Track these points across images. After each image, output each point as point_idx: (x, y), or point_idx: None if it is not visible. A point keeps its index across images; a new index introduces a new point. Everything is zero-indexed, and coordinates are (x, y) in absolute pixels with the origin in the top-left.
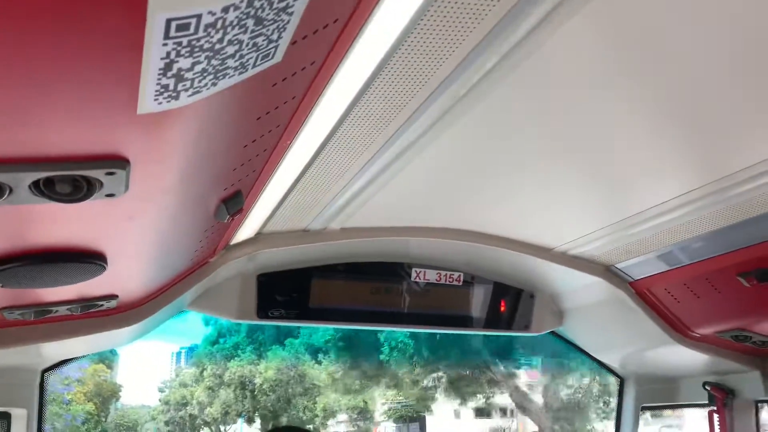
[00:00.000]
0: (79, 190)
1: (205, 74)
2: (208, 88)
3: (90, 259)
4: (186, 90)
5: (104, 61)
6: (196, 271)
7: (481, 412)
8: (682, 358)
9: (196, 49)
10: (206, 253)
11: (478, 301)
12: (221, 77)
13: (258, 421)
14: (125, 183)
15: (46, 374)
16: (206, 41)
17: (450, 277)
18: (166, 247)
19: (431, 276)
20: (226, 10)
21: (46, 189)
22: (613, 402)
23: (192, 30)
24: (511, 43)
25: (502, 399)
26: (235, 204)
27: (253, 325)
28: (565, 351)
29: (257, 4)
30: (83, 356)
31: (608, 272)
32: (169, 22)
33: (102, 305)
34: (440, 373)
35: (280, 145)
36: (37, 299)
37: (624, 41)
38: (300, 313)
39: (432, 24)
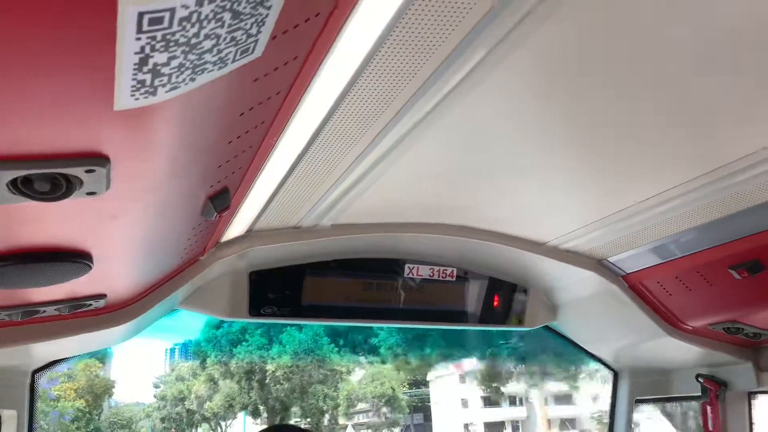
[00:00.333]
0: (59, 188)
1: (182, 69)
2: (186, 84)
3: (75, 259)
4: (163, 85)
5: (78, 56)
6: (186, 269)
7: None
8: (675, 350)
9: (172, 44)
10: (196, 251)
11: (471, 297)
12: (200, 72)
13: (265, 414)
14: (106, 181)
15: (36, 375)
16: (182, 35)
17: (443, 273)
18: (154, 245)
19: (424, 271)
20: (200, 3)
21: (24, 187)
22: None
23: (166, 24)
24: (497, 36)
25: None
26: (222, 201)
27: None
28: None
29: None
30: (74, 356)
31: (600, 266)
32: (141, 15)
33: (90, 305)
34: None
35: (266, 141)
36: (24, 300)
37: (612, 33)
38: (292, 310)
39: (417, 17)
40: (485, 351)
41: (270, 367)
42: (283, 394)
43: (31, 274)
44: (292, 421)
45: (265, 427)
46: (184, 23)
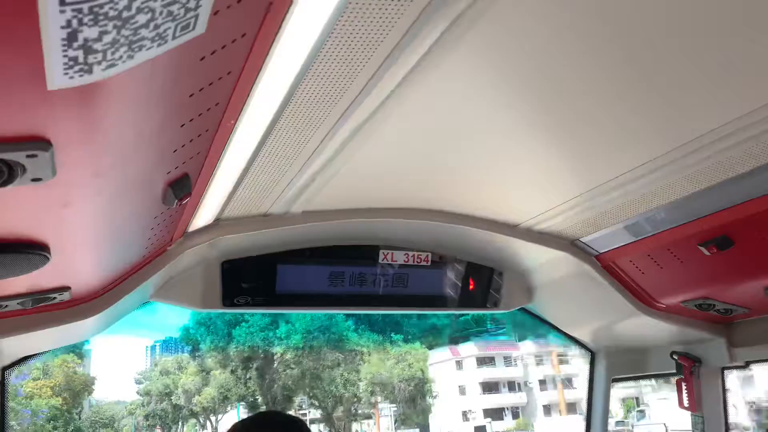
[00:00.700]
0: (0, 175)
1: (117, 45)
2: (124, 61)
3: (31, 250)
4: (98, 63)
5: (0, 32)
6: (154, 259)
7: None
8: (650, 329)
9: (101, 17)
10: (163, 241)
11: (447, 281)
12: (137, 49)
13: (263, 407)
14: (51, 166)
15: (6, 372)
16: (110, 8)
17: (418, 258)
18: (114, 234)
19: (399, 257)
20: None
21: None
22: None
23: None
24: (456, 9)
25: None
26: (182, 188)
27: None
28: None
29: None
30: (46, 352)
31: (573, 246)
32: None
33: (54, 298)
34: None
35: (223, 124)
36: None
37: (578, 8)
38: (267, 299)
39: None
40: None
41: (278, 349)
42: (290, 381)
43: None
44: (299, 413)
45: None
46: None
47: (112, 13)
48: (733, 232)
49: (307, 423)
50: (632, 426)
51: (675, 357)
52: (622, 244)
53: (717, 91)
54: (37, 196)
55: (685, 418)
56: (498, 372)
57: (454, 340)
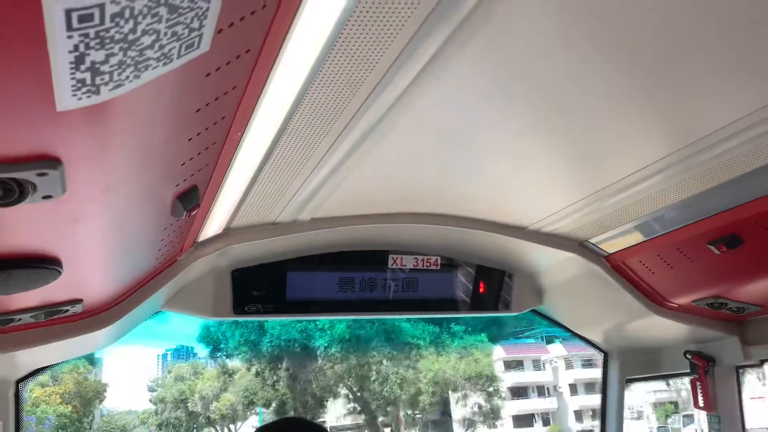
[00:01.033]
0: (11, 193)
1: (123, 67)
2: (130, 81)
3: (43, 264)
4: (106, 84)
5: (10, 56)
6: (165, 270)
7: None
8: (662, 328)
9: (107, 41)
10: (173, 252)
11: (456, 284)
12: (143, 69)
13: (291, 413)
14: (61, 184)
15: (20, 384)
16: (116, 32)
17: (427, 262)
18: (124, 247)
19: (408, 262)
20: None
21: None
22: None
23: (97, 20)
24: (460, 16)
25: None
26: (190, 200)
27: None
28: None
29: None
30: (59, 363)
31: (583, 247)
32: (69, 12)
33: (67, 310)
34: None
35: (230, 137)
36: None
37: (583, 10)
38: (277, 307)
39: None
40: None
41: (321, 341)
42: (332, 381)
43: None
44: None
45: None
46: (117, 19)
47: (117, 37)
48: (742, 231)
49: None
50: None
51: (688, 356)
52: (632, 244)
53: (724, 89)
54: (48, 212)
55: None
56: (527, 376)
57: (493, 339)
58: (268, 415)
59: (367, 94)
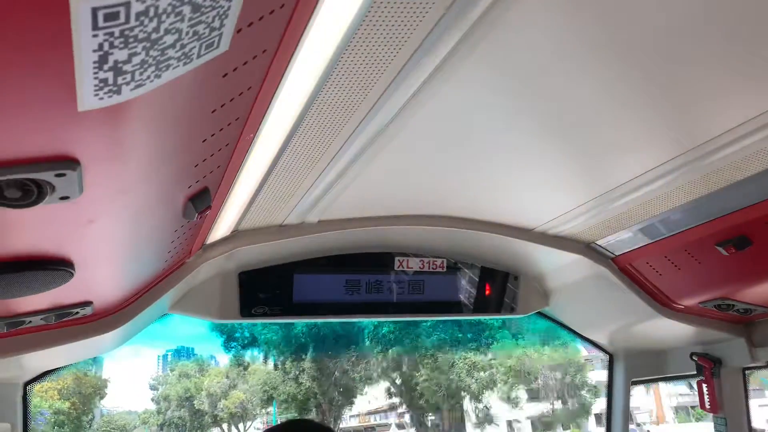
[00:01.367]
0: (30, 194)
1: (145, 66)
2: (151, 81)
3: (56, 266)
4: (127, 84)
5: (34, 57)
6: (173, 272)
7: None
8: (668, 330)
9: (131, 40)
10: (182, 254)
11: (462, 286)
12: (164, 69)
13: (316, 413)
14: (78, 184)
15: (28, 387)
16: (140, 31)
17: (433, 264)
18: (136, 249)
19: (414, 264)
20: None
21: None
22: None
23: (122, 19)
24: (470, 20)
25: None
26: (202, 202)
27: None
28: None
29: None
30: (66, 366)
31: (590, 249)
32: (95, 11)
33: (77, 312)
34: None
35: (242, 138)
36: (8, 311)
37: (588, 14)
38: (284, 309)
39: (387, 4)
40: None
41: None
42: (378, 371)
43: (12, 285)
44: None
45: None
46: (142, 18)
47: (141, 36)
48: (751, 232)
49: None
50: None
51: (695, 358)
52: (639, 246)
53: (732, 92)
54: (64, 213)
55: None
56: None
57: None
58: (288, 414)
59: (378, 97)
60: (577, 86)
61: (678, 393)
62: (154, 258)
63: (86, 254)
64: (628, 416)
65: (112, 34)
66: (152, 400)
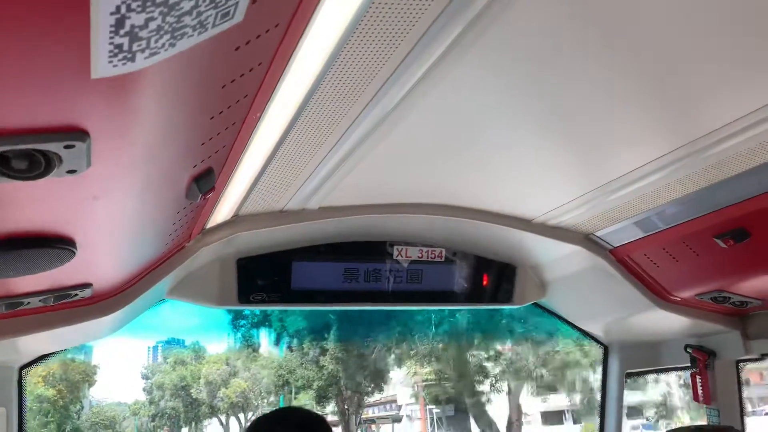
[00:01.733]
0: (37, 165)
1: (161, 33)
2: (166, 49)
3: (58, 244)
4: (142, 51)
5: (49, 18)
6: (172, 256)
7: None
8: (664, 322)
9: (149, 3)
10: (182, 238)
11: (460, 276)
12: (179, 37)
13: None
14: (86, 157)
15: (24, 371)
16: None
17: (432, 253)
18: (138, 229)
19: (413, 253)
20: None
21: (1, 166)
22: None
23: None
24: (474, 10)
25: None
26: (206, 182)
27: None
28: None
29: None
30: (62, 350)
31: (588, 241)
32: None
33: (76, 294)
34: None
35: (249, 118)
36: (7, 291)
37: (588, 8)
38: (282, 296)
39: None
40: None
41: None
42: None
43: (13, 262)
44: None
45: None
46: None
47: (159, 0)
48: (750, 224)
49: None
50: None
51: (689, 350)
52: (638, 237)
53: (730, 85)
54: (69, 187)
55: None
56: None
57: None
58: (303, 402)
59: (381, 84)
60: (576, 78)
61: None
62: (154, 240)
63: (88, 233)
64: (621, 407)
65: None
66: (144, 390)
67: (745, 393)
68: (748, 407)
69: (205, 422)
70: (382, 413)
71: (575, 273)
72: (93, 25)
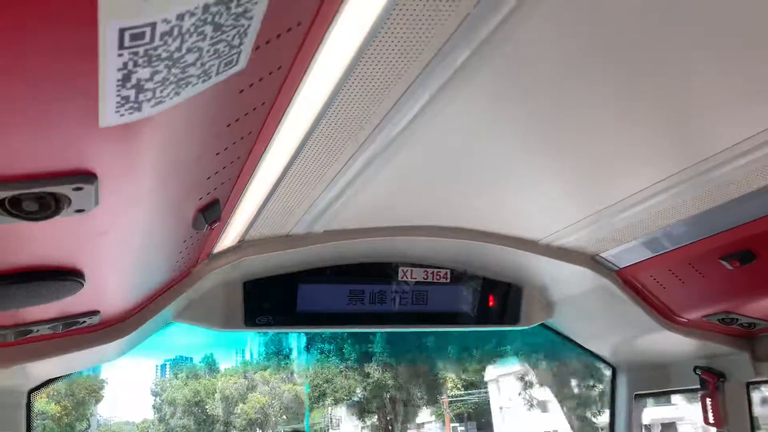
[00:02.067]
0: (47, 207)
1: (166, 83)
2: (171, 98)
3: (67, 276)
4: (148, 101)
5: (60, 74)
6: (179, 282)
7: None
8: (672, 343)
9: (154, 59)
10: (189, 263)
11: (467, 298)
12: (184, 86)
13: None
14: (94, 197)
15: (32, 394)
16: (164, 50)
17: (437, 275)
18: (145, 259)
19: (418, 274)
20: (181, 17)
21: (12, 208)
22: None
23: (147, 39)
24: (481, 36)
25: None
26: (212, 213)
27: None
28: None
29: (214, 9)
30: (70, 374)
31: (594, 262)
32: (122, 31)
33: (84, 322)
34: None
35: (254, 151)
36: (17, 319)
37: (590, 32)
38: (288, 319)
39: (400, 21)
40: None
41: None
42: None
43: (23, 294)
44: None
45: None
46: (166, 38)
47: (164, 54)
48: (756, 246)
49: None
50: None
51: (698, 372)
52: (644, 258)
53: (736, 107)
54: (77, 225)
55: None
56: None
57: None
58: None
59: (386, 112)
60: (582, 101)
61: None
62: (162, 268)
63: (97, 265)
64: (631, 429)
65: (136, 53)
66: (153, 407)
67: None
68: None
69: None
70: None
71: (582, 294)
72: (101, 80)
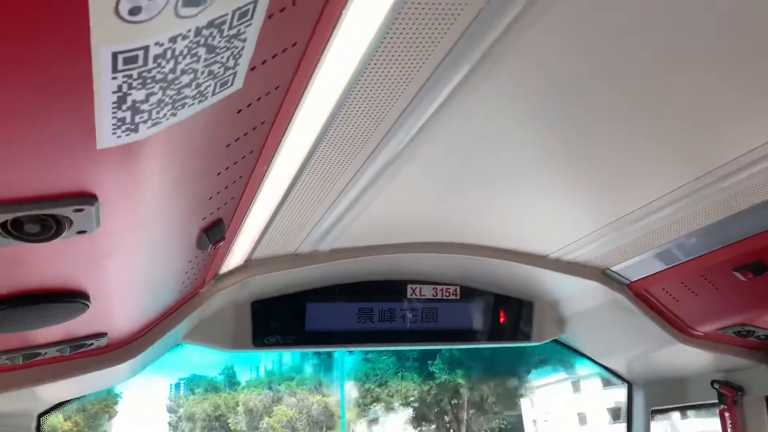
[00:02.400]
0: (48, 229)
1: (162, 105)
2: (167, 119)
3: (72, 298)
4: (144, 122)
5: (56, 99)
6: (186, 302)
7: None
8: (688, 357)
9: (149, 81)
10: (195, 284)
11: (476, 314)
12: (180, 107)
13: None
14: (96, 219)
15: (42, 418)
16: (158, 72)
17: (446, 291)
18: (151, 280)
19: (427, 291)
20: (173, 40)
21: (14, 230)
22: None
23: (141, 62)
24: (482, 48)
25: None
26: (216, 233)
27: None
28: None
29: (206, 32)
30: (80, 398)
31: (605, 276)
32: (115, 55)
33: (92, 344)
34: None
35: (256, 171)
36: (24, 342)
37: (602, 40)
38: (297, 338)
39: (398, 37)
40: None
41: None
42: None
43: (29, 317)
44: None
45: None
46: (159, 60)
47: (159, 76)
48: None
49: None
50: None
51: (716, 386)
52: (655, 271)
53: (746, 117)
54: (80, 246)
55: None
56: None
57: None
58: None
59: (389, 128)
60: (590, 113)
61: None
62: (168, 289)
63: (102, 286)
64: None
65: (130, 76)
66: (170, 424)
67: None
68: None
69: None
70: None
71: (593, 308)
72: (96, 103)
